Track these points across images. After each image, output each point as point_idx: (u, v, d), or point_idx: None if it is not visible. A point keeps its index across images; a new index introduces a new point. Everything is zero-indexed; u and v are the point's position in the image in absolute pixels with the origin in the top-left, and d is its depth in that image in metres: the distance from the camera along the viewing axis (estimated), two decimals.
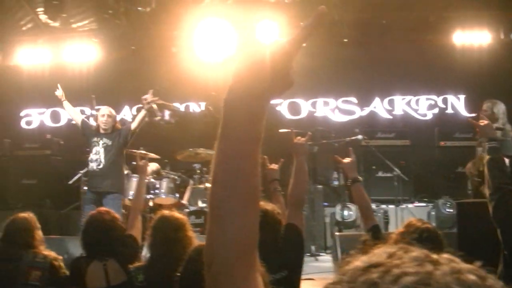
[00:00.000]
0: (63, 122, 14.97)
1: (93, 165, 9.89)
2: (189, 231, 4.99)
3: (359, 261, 0.98)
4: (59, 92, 10.35)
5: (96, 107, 11.10)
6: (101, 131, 9.97)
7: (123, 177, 10.13)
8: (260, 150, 1.37)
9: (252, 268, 1.32)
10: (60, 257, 5.67)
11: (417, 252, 0.96)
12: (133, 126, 9.95)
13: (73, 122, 10.81)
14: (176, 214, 5.17)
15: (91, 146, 9.95)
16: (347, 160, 5.73)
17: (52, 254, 5.55)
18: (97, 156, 9.88)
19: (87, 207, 9.70)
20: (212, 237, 1.33)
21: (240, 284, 1.29)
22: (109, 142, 9.91)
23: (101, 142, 9.91)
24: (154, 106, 9.80)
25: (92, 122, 10.43)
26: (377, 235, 4.77)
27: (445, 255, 0.96)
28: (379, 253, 0.98)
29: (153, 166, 10.35)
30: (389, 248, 1.00)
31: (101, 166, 9.86)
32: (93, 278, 5.30)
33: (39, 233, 5.63)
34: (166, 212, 5.21)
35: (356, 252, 1.09)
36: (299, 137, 5.63)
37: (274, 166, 6.08)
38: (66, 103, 10.48)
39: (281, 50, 1.38)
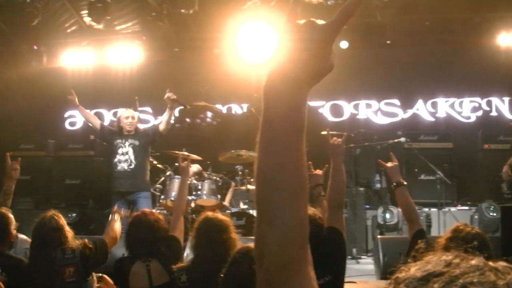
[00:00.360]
0: (106, 123, 15.11)
1: (123, 166, 10.00)
2: (233, 233, 4.97)
3: (415, 270, 0.96)
4: (73, 97, 10.40)
5: (140, 109, 11.20)
6: (125, 132, 10.06)
7: (148, 176, 10.26)
8: (305, 140, 1.34)
9: (304, 262, 1.30)
10: (86, 240, 5.65)
11: (475, 260, 0.94)
12: (161, 127, 10.06)
13: (90, 124, 10.89)
14: (220, 216, 5.15)
15: (116, 147, 10.05)
16: (390, 164, 5.69)
17: (76, 243, 5.53)
18: (126, 156, 9.99)
19: (120, 208, 9.82)
20: (261, 233, 1.31)
21: (293, 278, 1.27)
22: (136, 143, 10.01)
23: (127, 143, 10.00)
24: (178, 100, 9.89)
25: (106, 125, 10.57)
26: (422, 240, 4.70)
27: (502, 263, 0.94)
28: (435, 261, 0.96)
29: (194, 168, 10.38)
30: (443, 255, 0.97)
31: (132, 166, 9.97)
32: (136, 278, 5.35)
33: (68, 229, 5.62)
34: (210, 213, 5.20)
35: (407, 259, 1.06)
36: (335, 138, 5.60)
37: (319, 172, 6.06)
38: (81, 108, 10.57)
39: (320, 33, 1.34)
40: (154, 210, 9.95)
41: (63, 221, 5.61)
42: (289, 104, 1.33)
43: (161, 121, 10.21)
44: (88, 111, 11.15)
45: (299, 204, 1.30)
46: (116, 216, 6.13)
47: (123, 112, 10.47)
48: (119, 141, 10.02)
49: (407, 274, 0.96)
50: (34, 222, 5.54)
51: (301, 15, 1.40)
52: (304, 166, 1.32)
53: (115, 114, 14.85)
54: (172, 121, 10.17)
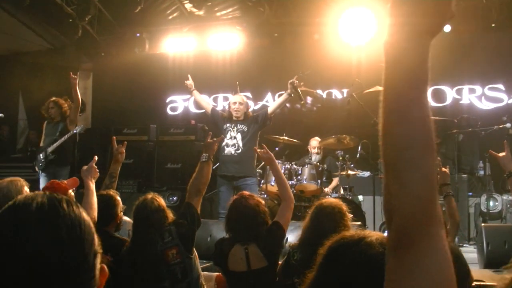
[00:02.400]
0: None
1: (230, 150, 10.01)
2: (347, 219, 4.93)
3: None
4: (190, 82, 10.53)
5: (240, 94, 11.28)
6: (234, 118, 10.09)
7: (255, 162, 10.22)
8: (428, 95, 1.31)
9: (435, 222, 1.28)
10: (175, 218, 5.64)
11: None
12: (270, 110, 10.00)
13: (202, 110, 10.98)
14: (334, 201, 5.11)
15: (225, 132, 10.09)
16: (503, 154, 5.55)
17: (170, 218, 5.57)
18: (234, 141, 10.00)
19: (224, 192, 9.91)
20: (391, 192, 1.29)
21: (425, 236, 1.26)
22: (245, 128, 10.01)
23: (235, 129, 10.03)
24: (299, 90, 9.80)
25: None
26: None
27: None
28: None
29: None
30: None
31: (239, 151, 9.97)
32: (235, 261, 5.37)
33: (169, 210, 5.65)
34: (325, 199, 5.19)
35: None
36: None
37: (446, 170, 5.94)
38: (196, 93, 10.67)
39: None
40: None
41: (163, 202, 5.67)
42: (413, 57, 1.29)
43: (274, 104, 10.20)
44: (203, 96, 11.21)
45: (429, 161, 1.28)
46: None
47: (231, 97, 10.54)
48: (228, 125, 10.08)
49: None
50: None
51: None
52: (431, 122, 1.29)
53: (215, 99, 15.03)
54: (285, 105, 10.11)
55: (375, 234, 2.14)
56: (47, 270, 1.36)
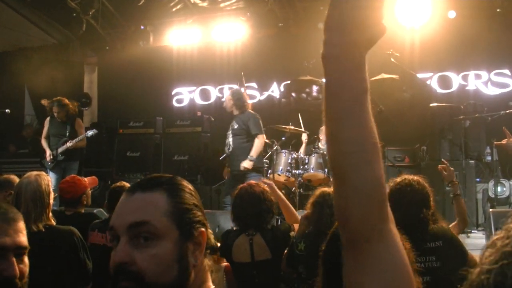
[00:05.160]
0: (212, 99, 15.35)
1: (225, 149, 10.17)
2: None
3: None
4: None
5: (246, 84, 11.28)
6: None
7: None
8: (369, 101, 1.37)
9: (386, 219, 1.35)
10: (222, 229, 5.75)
11: None
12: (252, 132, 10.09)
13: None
14: None
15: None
16: (505, 140, 5.59)
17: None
18: (228, 139, 10.13)
19: (227, 183, 10.02)
20: (342, 195, 1.35)
21: (378, 235, 1.33)
22: (235, 125, 10.06)
23: (231, 125, 10.12)
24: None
25: None
26: None
27: None
28: None
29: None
30: None
31: (230, 150, 10.09)
32: (239, 252, 5.39)
33: None
34: (326, 188, 5.21)
35: None
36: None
37: (449, 168, 5.94)
38: None
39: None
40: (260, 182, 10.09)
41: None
42: (353, 66, 1.35)
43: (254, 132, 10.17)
44: None
45: (374, 163, 1.33)
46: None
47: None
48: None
49: None
50: None
51: None
52: (373, 126, 1.35)
53: (221, 90, 15.04)
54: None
55: None
56: None
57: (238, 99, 10.22)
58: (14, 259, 2.24)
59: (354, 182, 1.32)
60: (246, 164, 9.81)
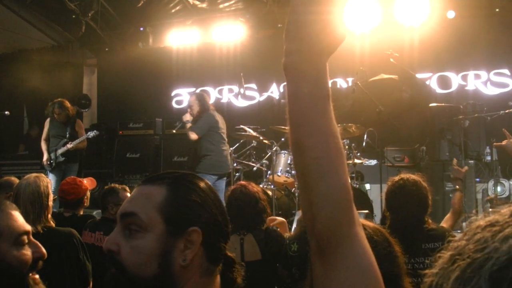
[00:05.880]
0: (211, 100, 15.34)
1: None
2: None
3: (483, 221, 0.96)
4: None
5: (245, 85, 11.28)
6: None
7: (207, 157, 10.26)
8: (331, 107, 1.38)
9: (353, 223, 1.36)
10: None
11: None
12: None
13: None
14: None
15: None
16: (506, 141, 5.60)
17: None
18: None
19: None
20: (309, 200, 1.36)
21: (345, 239, 1.34)
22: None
23: None
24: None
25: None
26: None
27: None
28: (504, 212, 0.96)
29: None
30: None
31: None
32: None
33: None
34: None
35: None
36: None
37: (463, 169, 5.94)
38: None
39: (328, 4, 1.38)
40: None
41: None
42: (315, 74, 1.36)
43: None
44: None
45: (339, 168, 1.35)
46: None
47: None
48: None
49: (475, 225, 0.97)
50: None
51: None
52: (336, 131, 1.37)
53: (220, 91, 15.03)
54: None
55: (371, 223, 2.20)
56: None
57: (203, 103, 10.36)
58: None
59: (321, 187, 1.33)
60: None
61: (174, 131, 10.77)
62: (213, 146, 10.15)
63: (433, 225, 4.69)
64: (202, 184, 1.91)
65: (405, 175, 4.71)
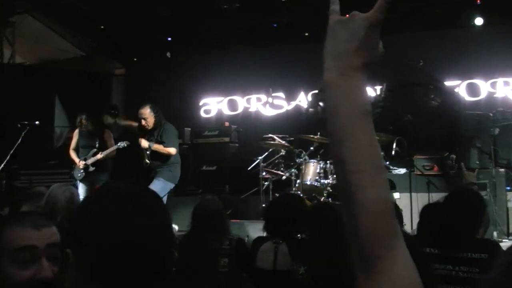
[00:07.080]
0: (240, 109, 15.35)
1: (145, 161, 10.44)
2: None
3: None
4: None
5: (273, 95, 11.29)
6: None
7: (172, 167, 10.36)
8: (371, 122, 1.39)
9: (395, 235, 1.36)
10: (244, 239, 5.70)
11: None
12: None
13: None
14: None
15: None
16: None
17: (236, 236, 5.60)
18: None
19: None
20: (350, 214, 1.37)
21: (388, 252, 1.34)
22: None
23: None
24: None
25: None
26: None
27: None
28: None
29: None
30: None
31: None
32: (263, 258, 5.27)
33: (227, 216, 5.69)
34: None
35: None
36: None
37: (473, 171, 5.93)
38: None
39: (364, 22, 1.41)
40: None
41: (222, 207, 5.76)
42: (353, 90, 1.39)
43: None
44: None
45: (378, 180, 1.36)
46: None
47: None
48: None
49: None
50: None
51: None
52: (376, 146, 1.38)
53: (248, 100, 15.03)
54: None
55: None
56: None
57: (158, 114, 10.45)
58: (45, 261, 2.27)
59: (359, 201, 1.34)
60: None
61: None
62: (178, 157, 10.36)
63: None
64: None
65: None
